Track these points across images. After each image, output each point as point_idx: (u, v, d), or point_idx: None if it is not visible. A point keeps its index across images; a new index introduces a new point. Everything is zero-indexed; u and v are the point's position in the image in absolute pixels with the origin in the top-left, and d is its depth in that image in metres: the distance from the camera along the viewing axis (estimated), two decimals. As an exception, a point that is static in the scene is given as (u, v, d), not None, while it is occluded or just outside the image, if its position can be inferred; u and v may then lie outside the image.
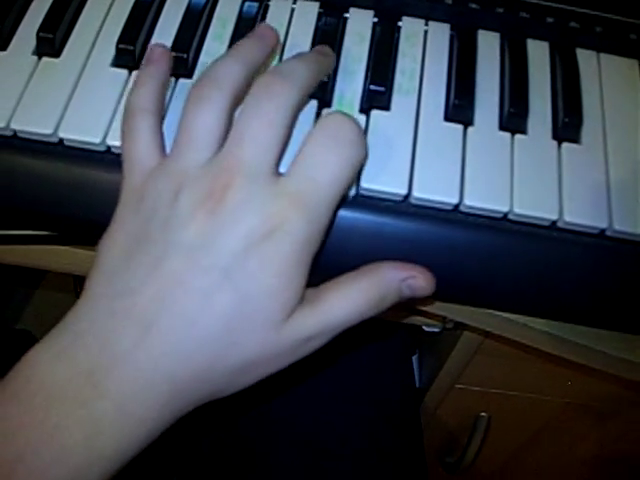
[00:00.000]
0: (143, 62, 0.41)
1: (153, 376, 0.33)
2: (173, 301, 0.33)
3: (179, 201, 0.34)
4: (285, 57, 0.44)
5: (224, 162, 0.35)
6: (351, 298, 0.36)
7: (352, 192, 0.40)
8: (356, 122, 0.36)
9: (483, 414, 0.78)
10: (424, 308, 0.50)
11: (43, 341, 0.34)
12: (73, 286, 0.94)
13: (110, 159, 0.41)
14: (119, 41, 0.44)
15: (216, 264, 0.33)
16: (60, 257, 0.52)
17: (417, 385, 0.81)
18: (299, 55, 0.39)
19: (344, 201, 0.40)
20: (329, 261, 0.40)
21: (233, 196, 0.33)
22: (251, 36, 0.40)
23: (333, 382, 0.73)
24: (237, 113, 0.37)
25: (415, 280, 0.37)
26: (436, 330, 0.63)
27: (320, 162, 0.34)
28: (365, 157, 0.37)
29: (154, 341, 0.33)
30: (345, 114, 0.36)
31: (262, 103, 0.35)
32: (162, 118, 0.40)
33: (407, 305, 0.50)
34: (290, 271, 0.34)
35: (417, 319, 0.59)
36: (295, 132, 0.39)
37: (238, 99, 0.38)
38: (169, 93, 0.43)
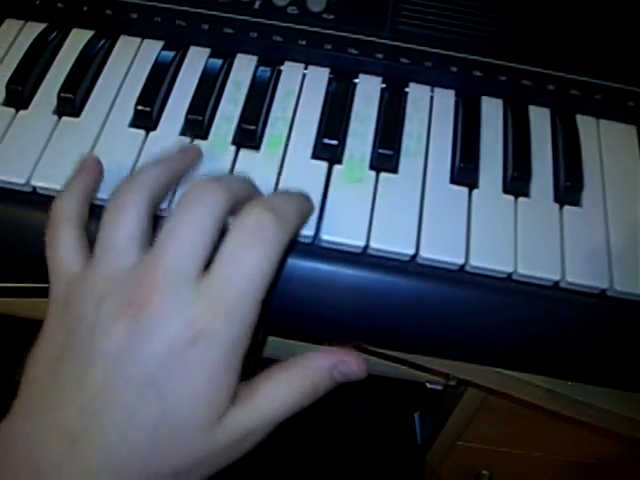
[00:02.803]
0: (75, 171, 0.41)
1: None
2: (99, 414, 0.32)
3: (102, 309, 0.33)
4: (297, 122, 0.46)
5: (146, 268, 0.34)
6: (283, 391, 0.35)
7: (360, 250, 0.41)
8: (277, 212, 0.35)
9: (485, 472, 0.78)
10: (428, 365, 0.51)
11: None
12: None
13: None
14: (137, 102, 0.46)
15: (140, 373, 0.32)
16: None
17: (419, 442, 0.81)
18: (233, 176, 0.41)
19: (353, 259, 0.41)
20: (338, 318, 0.41)
21: (155, 303, 0.33)
22: (176, 152, 0.41)
23: (335, 438, 0.73)
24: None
25: (346, 365, 0.36)
26: (439, 387, 0.63)
27: (236, 264, 0.34)
28: (288, 241, 0.36)
29: (81, 455, 0.32)
30: (264, 207, 0.35)
31: (190, 208, 0.35)
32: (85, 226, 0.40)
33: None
34: (217, 376, 0.33)
35: (420, 375, 0.60)
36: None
37: (156, 203, 0.38)
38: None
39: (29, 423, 0.33)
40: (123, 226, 0.36)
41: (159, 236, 0.35)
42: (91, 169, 0.41)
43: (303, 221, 0.39)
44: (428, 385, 0.63)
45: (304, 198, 0.40)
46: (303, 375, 0.35)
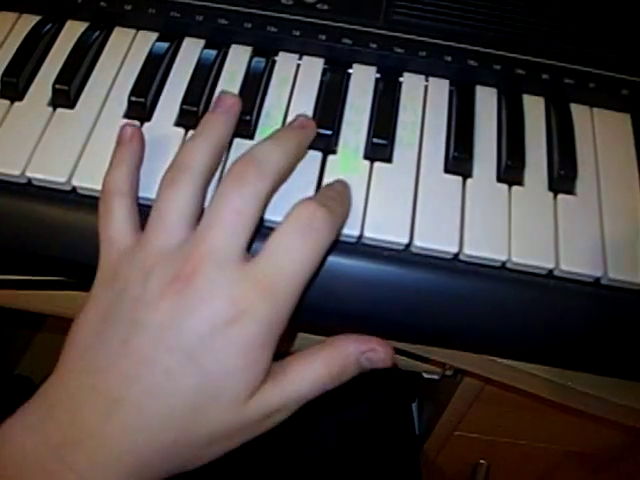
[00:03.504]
0: (117, 141, 0.42)
1: (119, 450, 0.34)
2: (139, 379, 0.34)
3: (149, 282, 0.35)
4: (291, 112, 0.46)
5: (194, 247, 0.36)
6: (312, 372, 0.37)
7: (355, 240, 0.42)
8: (330, 206, 0.37)
9: (482, 462, 0.78)
10: (423, 354, 0.51)
11: (17, 413, 0.35)
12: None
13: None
14: (131, 94, 0.46)
15: (181, 345, 0.34)
16: (61, 301, 0.53)
17: (417, 432, 0.81)
18: (277, 136, 0.40)
19: (348, 249, 0.41)
20: (332, 307, 0.41)
21: (200, 280, 0.35)
22: (215, 110, 0.41)
23: (333, 429, 0.73)
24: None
25: (374, 353, 0.38)
26: (435, 377, 0.64)
27: (288, 251, 0.36)
28: (334, 237, 0.38)
29: (120, 416, 0.34)
30: (319, 202, 0.37)
31: (233, 192, 0.36)
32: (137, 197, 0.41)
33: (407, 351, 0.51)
34: (254, 353, 0.35)
35: (417, 365, 0.60)
36: (297, 181, 0.42)
37: (209, 177, 0.40)
38: (180, 143, 0.44)
39: (72, 384, 0.35)
40: (175, 204, 0.38)
41: (205, 217, 0.37)
42: (133, 137, 0.42)
43: (347, 218, 0.41)
44: (425, 375, 0.63)
45: (349, 194, 0.42)
46: (333, 359, 0.37)
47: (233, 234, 0.36)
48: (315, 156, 0.44)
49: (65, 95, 0.46)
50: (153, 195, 0.41)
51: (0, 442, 0.34)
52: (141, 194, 0.42)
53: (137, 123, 0.45)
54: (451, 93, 0.49)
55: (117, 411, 0.34)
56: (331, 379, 0.37)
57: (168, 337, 0.34)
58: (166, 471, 0.36)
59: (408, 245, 0.41)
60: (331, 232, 0.37)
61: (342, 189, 0.41)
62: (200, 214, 0.38)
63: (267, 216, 0.41)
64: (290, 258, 0.36)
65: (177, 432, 0.34)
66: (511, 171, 0.44)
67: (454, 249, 0.41)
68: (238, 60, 0.49)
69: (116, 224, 0.39)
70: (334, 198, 0.39)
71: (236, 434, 0.36)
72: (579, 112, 0.49)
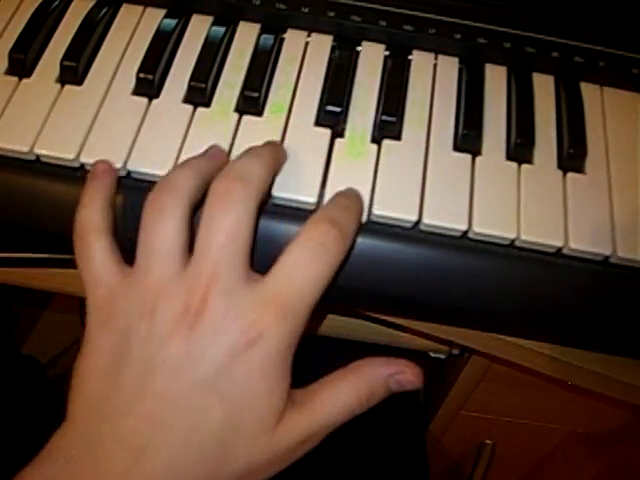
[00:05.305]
0: (87, 178, 0.41)
1: None
2: (163, 421, 0.33)
3: (156, 318, 0.34)
4: (300, 89, 0.46)
5: (195, 277, 0.34)
6: (340, 397, 0.35)
7: (364, 218, 0.41)
8: (342, 225, 0.36)
9: (488, 442, 0.78)
10: (432, 333, 0.51)
11: (34, 465, 0.33)
12: (78, 308, 0.95)
13: (130, 183, 0.42)
14: (139, 70, 0.46)
15: (202, 379, 0.33)
16: (68, 279, 0.53)
17: (423, 412, 0.81)
18: (252, 152, 0.39)
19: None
20: (339, 285, 0.41)
21: (211, 310, 0.34)
22: (203, 154, 0.40)
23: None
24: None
25: (403, 375, 0.37)
26: (442, 356, 0.64)
27: (301, 271, 0.35)
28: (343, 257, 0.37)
29: (147, 463, 0.32)
30: (330, 222, 0.36)
31: (222, 214, 0.35)
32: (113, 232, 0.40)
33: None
34: (275, 375, 0.34)
35: (423, 344, 0.60)
36: (305, 160, 0.41)
37: (194, 206, 0.37)
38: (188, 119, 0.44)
39: (89, 434, 0.33)
40: (165, 233, 0.35)
41: (198, 244, 0.35)
42: (105, 172, 0.41)
43: (358, 227, 0.39)
44: (431, 354, 0.63)
45: (360, 202, 0.40)
46: (360, 383, 0.36)
47: (233, 257, 0.34)
48: (324, 133, 0.44)
49: (73, 72, 0.46)
50: (153, 171, 0.42)
51: None
52: (141, 169, 0.42)
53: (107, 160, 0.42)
54: (461, 71, 0.48)
55: (142, 459, 0.32)
56: (360, 404, 0.36)
57: (187, 372, 0.33)
58: None
59: (417, 223, 0.41)
60: (344, 249, 0.36)
61: (354, 196, 0.40)
62: (190, 239, 0.36)
63: (275, 193, 0.41)
64: (304, 278, 0.34)
65: (208, 472, 0.33)
66: (521, 149, 0.44)
67: (463, 227, 0.41)
68: (247, 37, 0.49)
69: (98, 262, 0.37)
70: (346, 208, 0.38)
71: (267, 467, 0.35)
72: (589, 91, 0.48)
